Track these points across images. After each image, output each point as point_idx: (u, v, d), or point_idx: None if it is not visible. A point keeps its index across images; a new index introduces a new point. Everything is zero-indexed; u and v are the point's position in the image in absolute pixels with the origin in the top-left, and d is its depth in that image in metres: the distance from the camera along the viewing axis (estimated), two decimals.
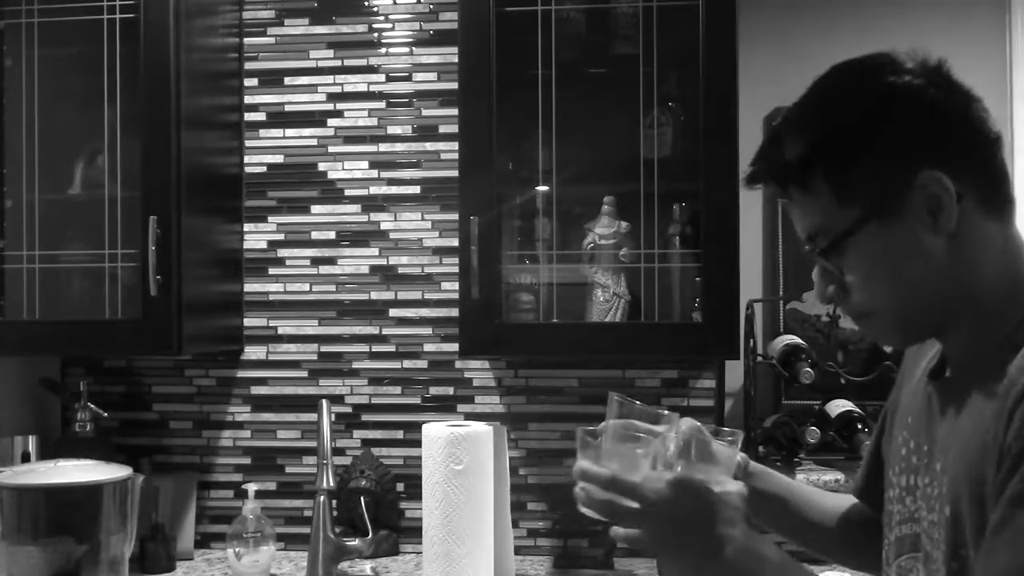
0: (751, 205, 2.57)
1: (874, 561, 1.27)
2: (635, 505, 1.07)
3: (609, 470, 1.09)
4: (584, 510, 1.12)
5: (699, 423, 1.19)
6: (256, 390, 2.43)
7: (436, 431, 2.01)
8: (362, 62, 2.42)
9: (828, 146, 1.07)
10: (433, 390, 2.38)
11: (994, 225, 1.08)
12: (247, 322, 2.44)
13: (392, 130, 2.40)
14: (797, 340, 2.46)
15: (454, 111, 2.19)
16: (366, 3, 2.42)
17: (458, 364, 2.37)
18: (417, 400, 2.39)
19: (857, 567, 1.44)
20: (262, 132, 2.44)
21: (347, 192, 2.41)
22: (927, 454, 1.13)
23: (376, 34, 2.42)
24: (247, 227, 2.44)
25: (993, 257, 1.07)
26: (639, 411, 1.15)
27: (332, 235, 2.42)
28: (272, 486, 2.40)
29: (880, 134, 1.06)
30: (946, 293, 1.07)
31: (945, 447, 1.08)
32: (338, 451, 2.36)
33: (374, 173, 2.41)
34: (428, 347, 2.39)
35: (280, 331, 2.43)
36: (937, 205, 1.04)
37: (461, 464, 1.98)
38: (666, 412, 1.15)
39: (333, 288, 2.42)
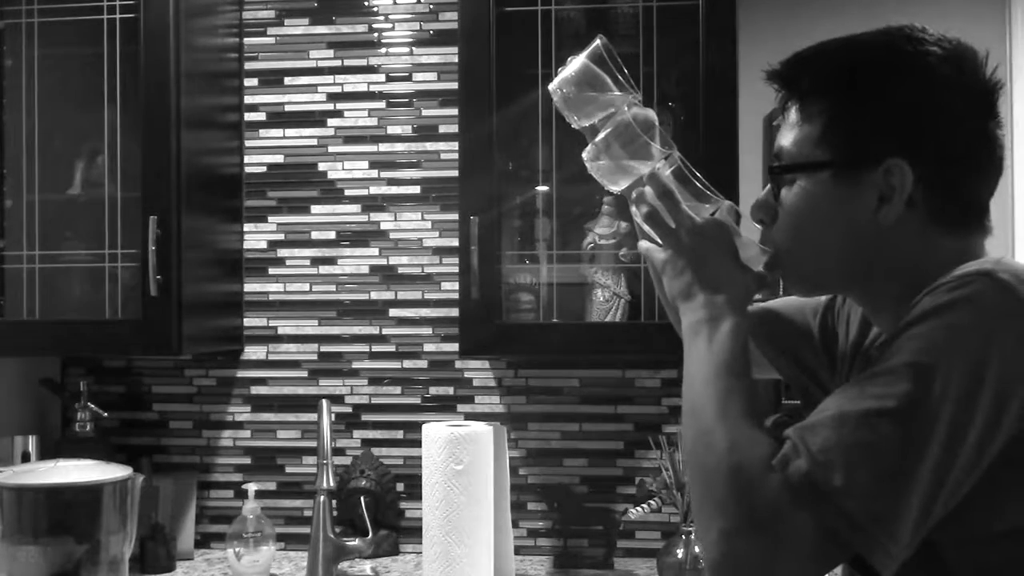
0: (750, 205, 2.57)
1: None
2: (672, 223, 1.12)
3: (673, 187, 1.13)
4: (633, 209, 1.18)
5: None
6: (256, 390, 2.43)
7: (436, 431, 2.01)
8: (362, 62, 2.41)
9: (840, 85, 1.06)
10: (433, 390, 2.38)
11: (946, 240, 1.04)
12: (247, 322, 2.44)
13: (392, 130, 2.40)
14: None
15: (454, 111, 2.19)
16: (366, 3, 2.42)
17: (458, 364, 2.37)
18: (417, 400, 2.39)
19: None
20: (262, 132, 2.44)
21: (347, 192, 2.41)
22: None
23: (376, 34, 2.42)
24: (247, 227, 2.44)
25: (933, 266, 1.01)
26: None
27: (332, 235, 2.42)
28: (272, 486, 2.40)
29: (886, 100, 1.04)
30: (857, 272, 1.08)
31: None
32: (338, 451, 2.36)
33: (374, 173, 2.41)
34: (428, 347, 2.39)
35: (280, 331, 2.43)
36: (888, 196, 1.03)
37: (461, 464, 1.98)
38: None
39: (333, 288, 2.42)
